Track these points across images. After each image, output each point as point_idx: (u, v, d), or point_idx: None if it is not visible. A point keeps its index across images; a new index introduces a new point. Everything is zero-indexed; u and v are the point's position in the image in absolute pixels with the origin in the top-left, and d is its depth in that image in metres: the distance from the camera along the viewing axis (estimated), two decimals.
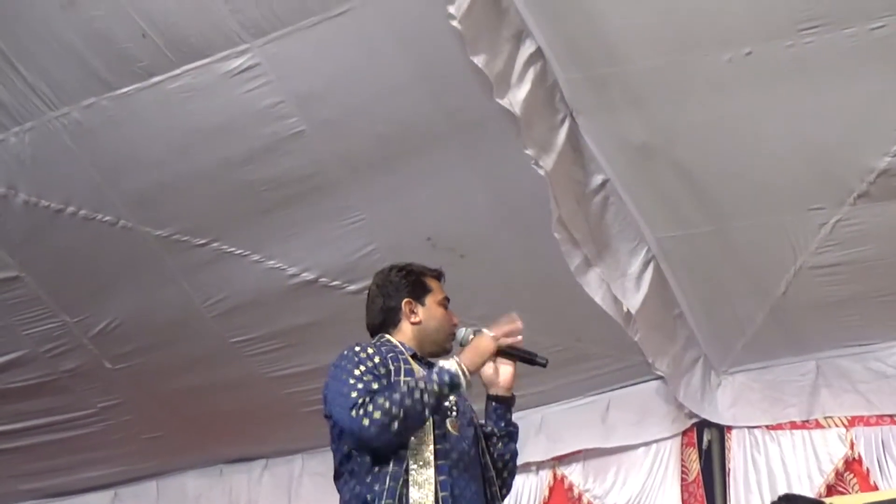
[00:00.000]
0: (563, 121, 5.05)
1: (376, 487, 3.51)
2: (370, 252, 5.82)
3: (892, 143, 4.92)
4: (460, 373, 3.60)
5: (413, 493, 3.50)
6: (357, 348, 3.66)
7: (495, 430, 3.88)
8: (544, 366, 3.87)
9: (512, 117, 4.77)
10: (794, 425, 6.15)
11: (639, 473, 6.44)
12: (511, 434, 3.91)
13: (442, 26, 4.51)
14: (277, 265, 6.02)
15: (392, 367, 3.63)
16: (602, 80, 4.93)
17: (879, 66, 4.63)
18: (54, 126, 5.45)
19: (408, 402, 3.47)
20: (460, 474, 3.63)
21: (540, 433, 6.63)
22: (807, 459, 6.05)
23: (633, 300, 5.56)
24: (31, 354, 6.75)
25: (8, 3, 5.01)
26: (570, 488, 6.61)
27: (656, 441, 6.44)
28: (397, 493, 3.49)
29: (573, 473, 6.63)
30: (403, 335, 3.83)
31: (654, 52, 4.77)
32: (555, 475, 6.68)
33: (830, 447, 6.02)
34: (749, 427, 6.23)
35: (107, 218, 5.88)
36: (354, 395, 3.50)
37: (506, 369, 3.85)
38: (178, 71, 5.12)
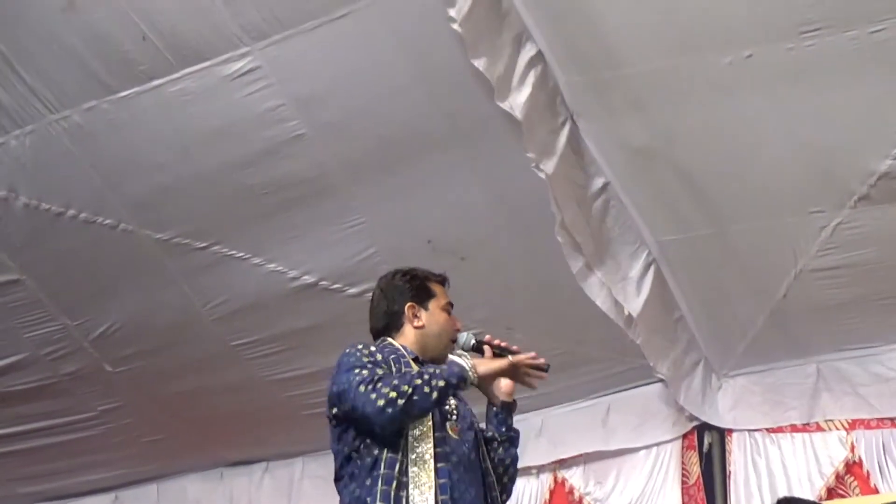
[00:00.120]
0: (563, 124, 5.06)
1: (376, 490, 3.50)
2: (371, 255, 5.82)
3: (892, 146, 4.91)
4: (467, 367, 3.63)
5: (413, 495, 3.50)
6: (360, 345, 3.68)
7: (496, 435, 3.88)
8: (546, 371, 3.88)
9: (512, 120, 4.78)
10: (794, 428, 6.15)
11: (639, 476, 6.43)
12: (512, 439, 3.91)
13: (442, 29, 4.52)
14: (278, 268, 6.02)
15: (393, 368, 3.64)
16: (603, 83, 4.94)
17: (880, 69, 4.63)
18: (55, 129, 5.46)
19: (418, 381, 3.50)
20: (460, 477, 3.62)
21: (541, 436, 6.63)
22: (807, 462, 6.04)
23: (635, 303, 5.56)
24: (32, 357, 6.75)
25: (8, 6, 5.01)
26: (571, 491, 6.61)
27: (657, 444, 6.43)
28: (397, 495, 3.49)
29: (574, 476, 6.62)
30: (406, 339, 3.83)
31: (654, 55, 4.77)
32: (555, 478, 6.68)
33: (831, 450, 6.01)
34: (750, 430, 6.22)
35: (107, 221, 5.89)
36: (366, 372, 3.54)
37: None
38: (178, 74, 5.13)
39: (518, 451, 3.95)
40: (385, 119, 5.21)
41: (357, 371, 3.56)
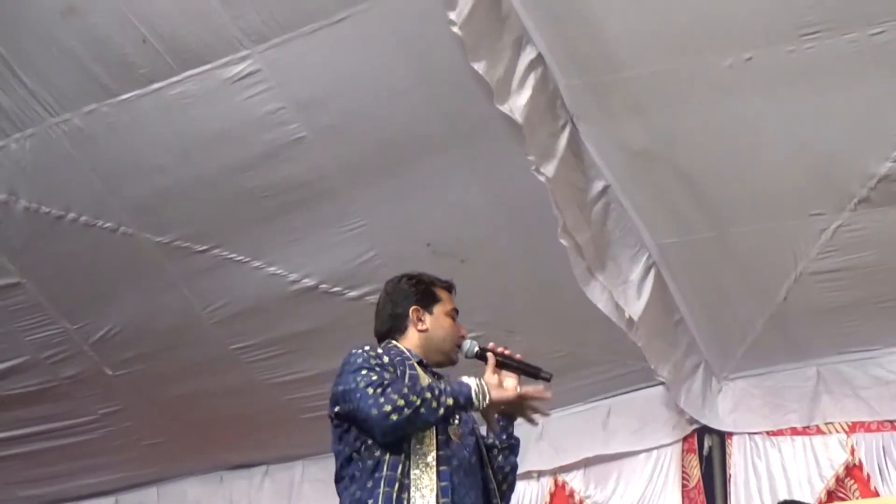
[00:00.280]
0: (563, 127, 5.06)
1: (378, 492, 3.50)
2: (371, 258, 5.82)
3: (892, 149, 4.91)
4: (478, 391, 3.61)
5: (415, 498, 3.50)
6: (367, 347, 3.68)
7: (496, 442, 3.88)
8: (548, 380, 3.88)
9: (512, 122, 4.78)
10: (794, 431, 6.14)
11: (640, 480, 6.43)
12: (512, 447, 3.91)
13: (443, 32, 4.52)
14: (278, 271, 6.02)
15: (398, 371, 3.64)
16: (603, 86, 4.94)
17: (880, 71, 4.63)
18: (55, 132, 5.46)
19: (427, 394, 3.50)
20: (461, 481, 3.62)
21: (541, 440, 6.61)
22: (807, 465, 6.04)
23: (635, 307, 5.56)
24: (32, 361, 6.75)
25: (9, 9, 5.02)
26: (571, 495, 6.60)
27: (657, 447, 6.43)
28: (399, 497, 3.49)
29: (574, 480, 6.62)
30: (410, 342, 3.84)
31: (654, 58, 4.77)
32: (556, 482, 6.67)
33: (831, 453, 6.01)
34: (750, 433, 6.22)
35: (107, 224, 5.89)
36: (374, 376, 3.53)
37: (509, 382, 3.84)
38: (178, 77, 5.13)
39: (518, 458, 3.95)
40: (385, 122, 5.21)
41: (365, 372, 3.56)
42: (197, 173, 5.56)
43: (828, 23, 4.47)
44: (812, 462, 6.03)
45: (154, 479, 7.86)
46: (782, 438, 6.15)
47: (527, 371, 3.87)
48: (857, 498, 5.90)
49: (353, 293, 5.99)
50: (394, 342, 3.84)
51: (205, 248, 5.96)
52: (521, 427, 3.98)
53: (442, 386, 3.57)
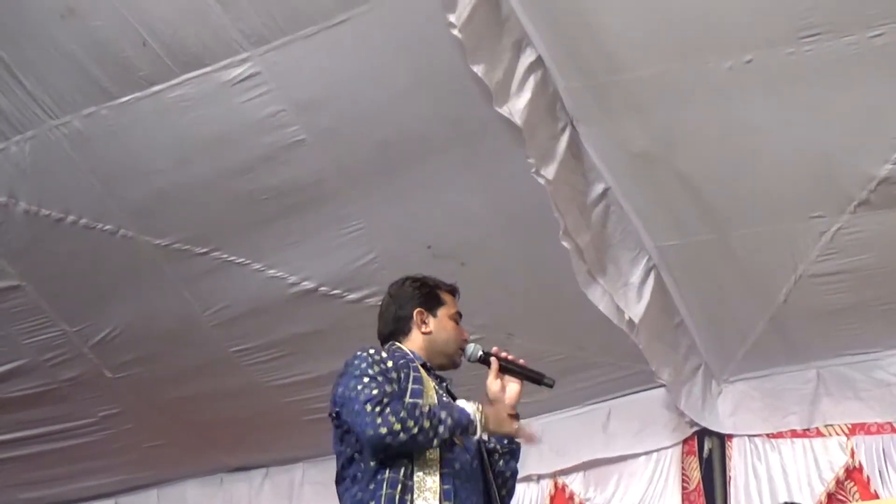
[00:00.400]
0: (563, 129, 5.06)
1: (380, 494, 3.50)
2: (370, 261, 5.82)
3: (892, 151, 4.91)
4: (477, 421, 3.63)
5: (417, 500, 3.50)
6: (371, 350, 3.67)
7: (497, 447, 3.87)
8: (551, 387, 3.89)
9: (512, 124, 4.78)
10: (794, 433, 6.14)
11: (640, 482, 6.42)
12: (513, 452, 3.91)
13: (442, 35, 4.52)
14: (278, 274, 6.02)
15: (402, 374, 3.64)
16: (603, 88, 4.94)
17: (879, 74, 4.63)
18: (55, 135, 5.46)
19: (426, 423, 3.49)
20: (462, 484, 3.62)
21: (541, 443, 6.58)
22: (807, 468, 6.04)
23: (636, 309, 5.56)
24: (32, 363, 6.75)
25: (9, 12, 5.01)
26: (571, 497, 6.60)
27: (657, 450, 6.43)
28: (402, 499, 3.49)
29: (574, 482, 6.62)
30: (413, 344, 3.84)
31: (654, 60, 4.77)
32: (556, 484, 6.67)
33: (831, 455, 6.00)
34: (750, 435, 6.21)
35: (107, 227, 5.89)
36: (375, 391, 3.51)
37: (512, 387, 3.85)
38: (178, 80, 5.13)
39: (518, 463, 3.95)
40: (384, 124, 5.21)
41: (367, 381, 3.53)
42: (197, 176, 5.56)
43: (827, 25, 4.47)
44: (812, 464, 6.03)
45: (154, 482, 7.86)
46: (782, 441, 6.15)
47: (529, 376, 3.88)
48: (857, 500, 5.90)
49: (353, 296, 5.99)
50: (397, 344, 3.84)
51: (204, 250, 5.95)
52: None
53: (444, 415, 3.55)
